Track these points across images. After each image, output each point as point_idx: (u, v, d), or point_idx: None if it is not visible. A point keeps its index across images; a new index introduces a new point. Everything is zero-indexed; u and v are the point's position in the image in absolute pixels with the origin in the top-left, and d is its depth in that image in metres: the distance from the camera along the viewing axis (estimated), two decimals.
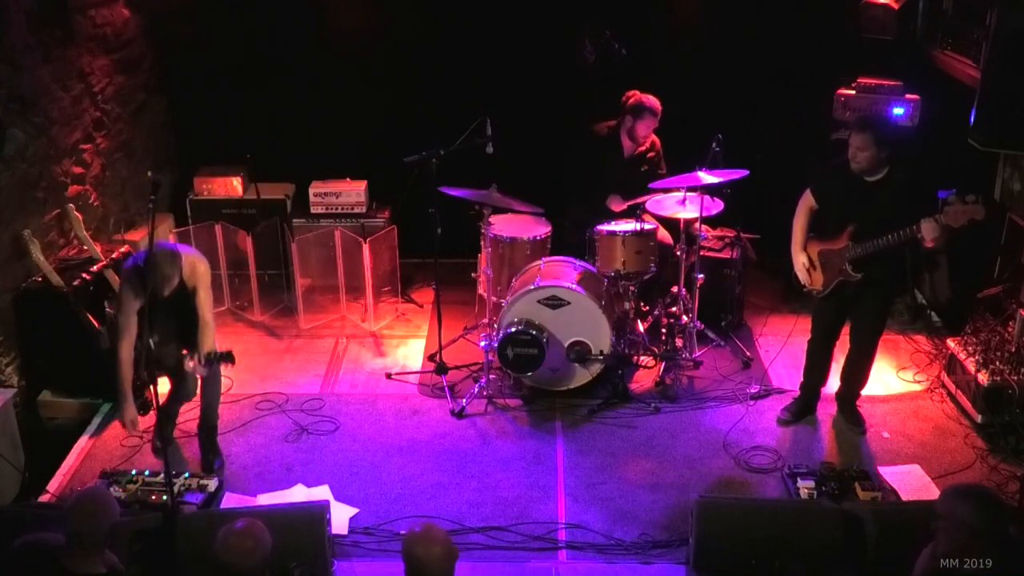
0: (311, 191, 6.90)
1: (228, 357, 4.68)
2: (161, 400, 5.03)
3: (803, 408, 5.47)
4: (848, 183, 4.84)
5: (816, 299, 5.20)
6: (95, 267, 5.63)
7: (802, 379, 5.48)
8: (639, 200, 6.07)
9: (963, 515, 3.12)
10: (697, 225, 5.77)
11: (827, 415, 5.49)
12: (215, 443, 5.12)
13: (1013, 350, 5.31)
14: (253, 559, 3.27)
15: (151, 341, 4.58)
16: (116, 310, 4.85)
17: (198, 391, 5.09)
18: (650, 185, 6.10)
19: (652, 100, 6.03)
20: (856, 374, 5.32)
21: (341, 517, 4.63)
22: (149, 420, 5.26)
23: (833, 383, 5.49)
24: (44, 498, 4.77)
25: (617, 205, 6.13)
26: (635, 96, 6.05)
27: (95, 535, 3.33)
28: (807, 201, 5.09)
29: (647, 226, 5.67)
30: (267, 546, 3.32)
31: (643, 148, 6.23)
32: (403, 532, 4.13)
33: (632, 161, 6.24)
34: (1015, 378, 5.19)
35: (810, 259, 5.12)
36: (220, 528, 3.34)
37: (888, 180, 4.77)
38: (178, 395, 5.15)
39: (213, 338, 4.87)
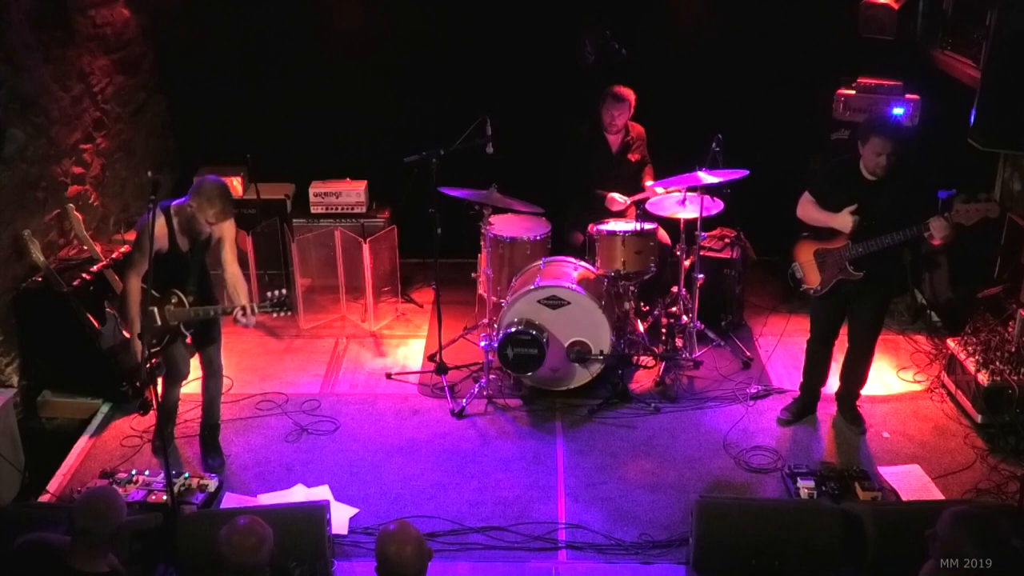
0: (311, 191, 6.90)
1: (286, 303, 4.60)
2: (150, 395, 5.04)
3: (803, 408, 5.47)
4: (848, 183, 4.83)
5: (813, 299, 5.20)
6: (95, 267, 5.63)
7: (802, 379, 5.47)
8: (638, 197, 6.08)
9: (961, 548, 3.09)
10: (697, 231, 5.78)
11: (827, 415, 5.49)
12: (216, 442, 5.12)
13: (1013, 350, 5.31)
14: (257, 556, 3.26)
15: (181, 297, 4.55)
16: (133, 247, 4.67)
17: (189, 372, 5.04)
18: (652, 184, 6.12)
19: (616, 87, 6.09)
20: (855, 374, 5.32)
21: (341, 517, 4.62)
22: (149, 420, 5.27)
23: (833, 383, 5.49)
24: (44, 498, 4.78)
25: (616, 205, 6.14)
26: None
27: (101, 534, 3.33)
28: (809, 199, 5.07)
29: (647, 226, 5.67)
30: (270, 543, 3.31)
31: (628, 138, 6.26)
32: None
33: (621, 153, 6.26)
34: (1015, 378, 5.19)
35: (806, 259, 5.11)
36: (223, 526, 3.33)
37: (889, 179, 4.76)
38: (174, 375, 5.02)
39: (247, 294, 4.83)
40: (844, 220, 4.84)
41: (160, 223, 4.47)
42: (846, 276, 4.93)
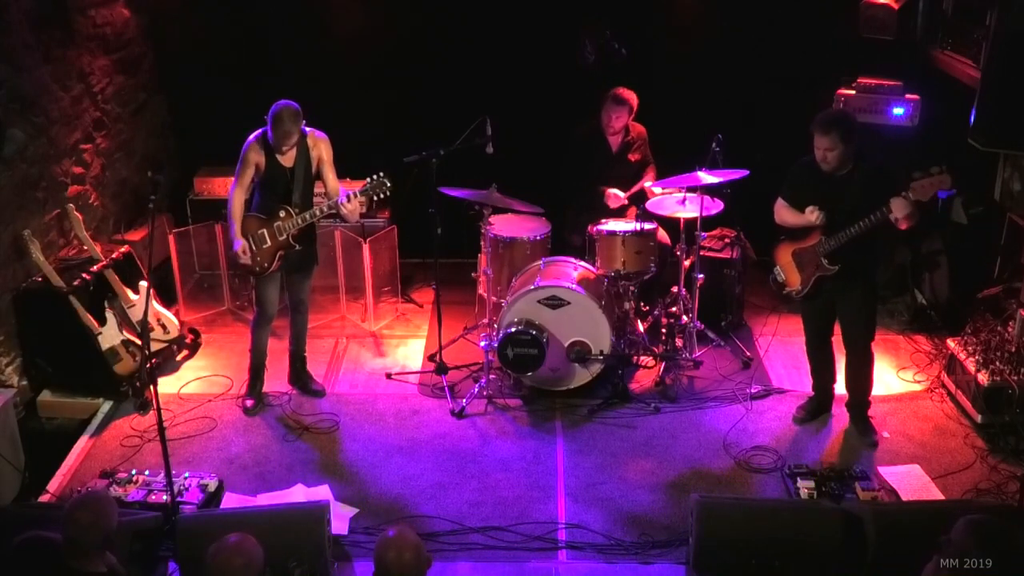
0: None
1: (385, 183, 5.07)
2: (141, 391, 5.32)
3: (818, 407, 5.46)
4: (817, 180, 4.87)
5: (802, 301, 5.20)
6: (95, 267, 5.64)
7: (812, 380, 5.47)
8: (635, 190, 6.08)
9: (971, 554, 3.07)
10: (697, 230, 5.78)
11: (828, 415, 5.48)
12: (307, 371, 5.74)
13: (1013, 350, 5.31)
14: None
15: (288, 209, 5.09)
16: (236, 174, 5.19)
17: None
18: (652, 184, 6.12)
19: (618, 89, 6.09)
20: (857, 379, 5.28)
21: (341, 517, 4.62)
22: (149, 420, 5.26)
23: (841, 383, 5.46)
24: (44, 498, 4.77)
25: (615, 201, 6.14)
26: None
27: (90, 542, 3.29)
28: (782, 203, 5.09)
29: (647, 226, 5.67)
30: (259, 563, 3.22)
31: (628, 138, 6.26)
32: None
33: (621, 154, 6.26)
34: (1015, 378, 5.19)
35: (785, 261, 5.14)
36: (211, 543, 3.23)
37: (856, 172, 4.79)
38: (265, 315, 5.45)
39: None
40: (810, 216, 4.89)
41: (258, 143, 5.13)
42: (823, 272, 4.95)
